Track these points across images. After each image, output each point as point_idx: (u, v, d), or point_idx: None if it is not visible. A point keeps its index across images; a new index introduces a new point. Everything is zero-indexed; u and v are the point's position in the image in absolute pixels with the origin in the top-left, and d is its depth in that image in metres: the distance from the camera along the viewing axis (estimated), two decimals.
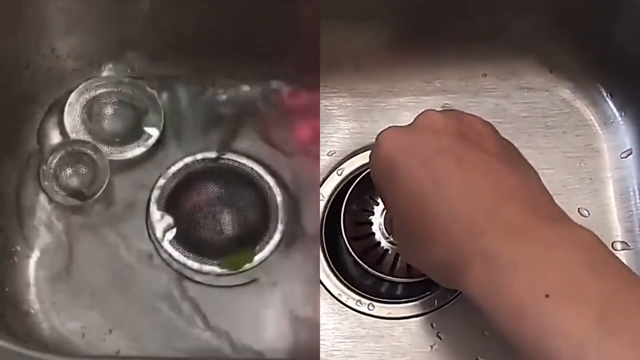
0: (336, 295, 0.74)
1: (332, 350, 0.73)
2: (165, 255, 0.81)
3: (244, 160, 0.82)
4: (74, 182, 0.82)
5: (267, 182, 0.82)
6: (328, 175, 0.78)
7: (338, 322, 0.74)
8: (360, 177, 0.77)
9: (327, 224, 0.78)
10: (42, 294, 0.81)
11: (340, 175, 0.78)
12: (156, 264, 0.82)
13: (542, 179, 0.75)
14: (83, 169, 0.82)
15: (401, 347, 0.73)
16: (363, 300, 0.74)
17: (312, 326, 0.76)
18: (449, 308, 0.74)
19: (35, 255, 0.82)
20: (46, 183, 0.82)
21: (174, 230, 0.81)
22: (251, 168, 0.82)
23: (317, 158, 0.79)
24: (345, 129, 0.80)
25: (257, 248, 0.80)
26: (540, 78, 0.80)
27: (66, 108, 0.84)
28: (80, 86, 0.84)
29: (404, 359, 0.72)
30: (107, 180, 0.82)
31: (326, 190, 0.78)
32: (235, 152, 0.83)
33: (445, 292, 0.74)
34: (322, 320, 0.73)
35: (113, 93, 0.84)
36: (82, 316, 0.80)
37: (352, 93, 0.81)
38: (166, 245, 0.81)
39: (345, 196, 0.78)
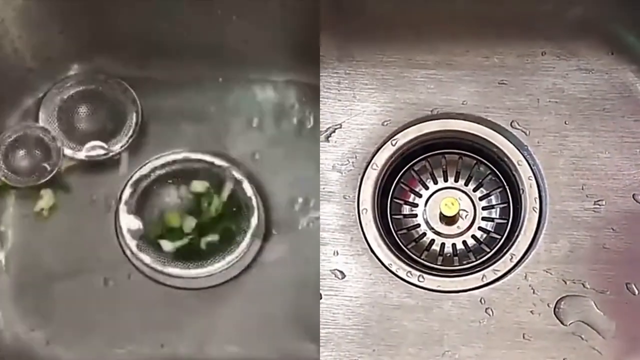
0: (387, 264, 0.75)
1: (381, 319, 0.73)
2: (134, 260, 0.81)
3: (218, 161, 0.83)
4: (24, 163, 0.83)
5: (242, 182, 0.83)
6: (382, 145, 0.78)
7: (388, 291, 0.74)
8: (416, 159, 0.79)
9: (379, 194, 0.78)
10: (5, 302, 0.80)
11: (395, 145, 0.78)
12: (125, 268, 0.82)
13: (597, 162, 0.76)
14: (36, 152, 0.83)
15: (450, 320, 0.73)
16: (413, 271, 0.75)
17: (306, 324, 0.77)
18: (500, 284, 0.74)
19: None
20: None
21: (143, 233, 0.81)
22: (225, 167, 0.83)
23: (317, 158, 0.78)
24: (401, 99, 0.79)
25: (232, 246, 0.81)
26: (601, 60, 0.79)
27: (40, 110, 0.84)
28: (53, 87, 0.84)
29: (452, 332, 0.73)
30: (57, 167, 0.82)
31: (380, 159, 0.78)
32: (213, 153, 0.84)
33: (495, 269, 0.74)
34: (373, 288, 0.74)
35: (86, 93, 0.85)
36: (47, 324, 0.80)
37: (409, 63, 0.80)
38: (135, 249, 0.81)
39: (397, 167, 0.79)
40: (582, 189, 0.76)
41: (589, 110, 0.78)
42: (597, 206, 0.76)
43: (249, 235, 0.82)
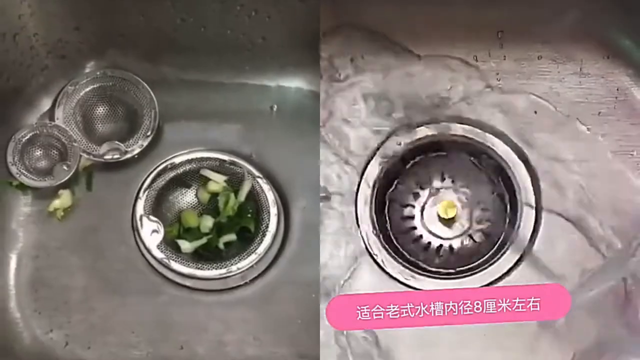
0: (384, 267, 0.76)
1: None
2: (151, 260, 0.80)
3: (235, 160, 0.83)
4: (41, 164, 0.82)
5: (259, 181, 0.82)
6: (381, 147, 0.79)
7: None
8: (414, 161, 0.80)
9: (378, 196, 0.78)
10: (23, 302, 0.80)
11: (393, 148, 0.79)
12: (142, 268, 0.81)
13: (593, 165, 0.77)
14: (53, 152, 0.82)
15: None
16: (411, 273, 0.76)
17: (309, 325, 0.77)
18: (497, 286, 0.75)
19: (14, 261, 0.81)
20: (13, 159, 0.81)
21: (162, 233, 0.80)
22: (242, 166, 0.82)
23: (318, 157, 0.79)
24: (400, 102, 0.80)
25: (251, 247, 0.81)
26: (597, 64, 0.80)
27: (56, 108, 0.83)
28: (69, 85, 0.84)
29: (449, 333, 0.73)
30: (74, 168, 0.81)
31: (378, 162, 0.79)
32: (229, 152, 0.83)
33: (492, 271, 0.75)
34: (371, 290, 0.75)
35: (102, 91, 0.84)
36: (66, 324, 0.80)
37: (408, 66, 0.81)
38: (153, 249, 0.80)
39: (396, 170, 0.80)
40: (579, 191, 0.77)
41: (584, 114, 0.79)
42: (593, 209, 0.77)
43: (268, 236, 0.81)
